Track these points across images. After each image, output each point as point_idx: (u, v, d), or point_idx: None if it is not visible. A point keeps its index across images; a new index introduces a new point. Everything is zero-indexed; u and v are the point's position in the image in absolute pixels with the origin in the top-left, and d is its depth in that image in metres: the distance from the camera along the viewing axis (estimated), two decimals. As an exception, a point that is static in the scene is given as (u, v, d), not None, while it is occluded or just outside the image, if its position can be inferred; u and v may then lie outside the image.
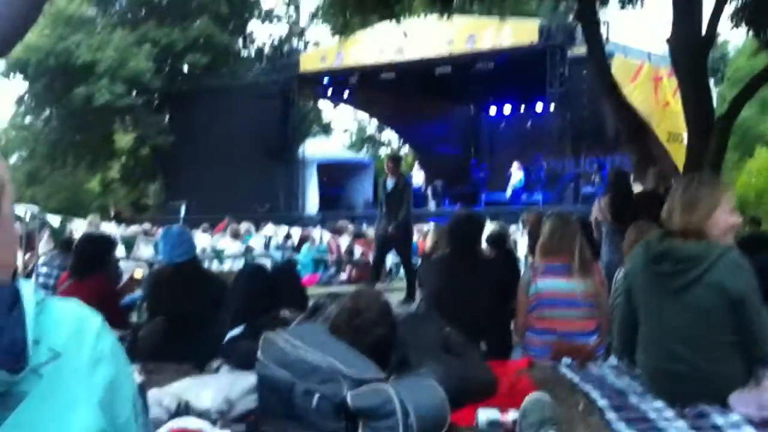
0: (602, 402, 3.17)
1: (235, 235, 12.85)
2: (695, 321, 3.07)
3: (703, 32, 8.39)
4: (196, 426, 2.63)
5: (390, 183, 9.97)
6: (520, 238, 12.58)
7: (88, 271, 5.09)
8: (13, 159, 37.70)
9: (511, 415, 2.89)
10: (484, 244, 6.48)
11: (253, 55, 32.41)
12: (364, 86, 24.53)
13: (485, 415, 2.97)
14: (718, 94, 20.88)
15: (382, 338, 3.23)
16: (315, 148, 26.73)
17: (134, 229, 11.39)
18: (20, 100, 29.48)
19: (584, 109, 19.02)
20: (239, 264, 9.09)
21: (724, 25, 9.08)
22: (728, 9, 8.86)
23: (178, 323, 4.69)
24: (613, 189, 7.31)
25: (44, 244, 8.79)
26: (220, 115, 24.57)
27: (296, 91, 25.19)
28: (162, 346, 4.53)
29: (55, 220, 8.14)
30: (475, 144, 27.83)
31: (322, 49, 25.90)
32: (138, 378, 2.66)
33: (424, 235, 13.01)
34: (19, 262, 7.21)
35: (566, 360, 4.05)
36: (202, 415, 2.81)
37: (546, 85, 20.22)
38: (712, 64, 13.92)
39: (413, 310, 5.65)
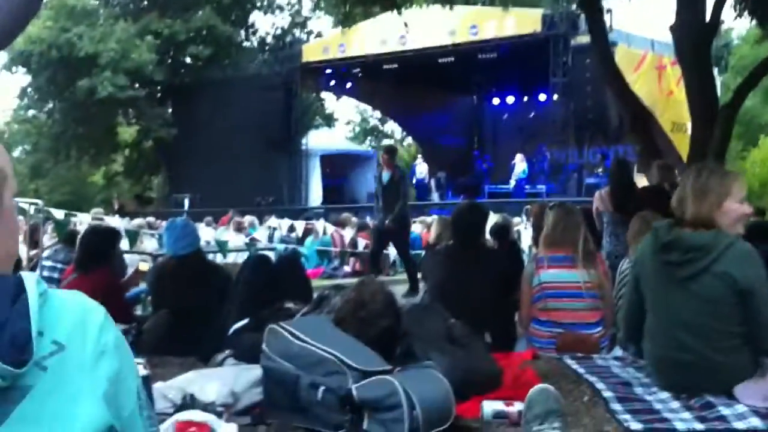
0: (607, 393, 3.17)
1: (239, 229, 12.86)
2: (702, 311, 3.07)
3: (707, 20, 8.35)
4: (201, 419, 2.62)
5: (385, 175, 9.88)
6: (524, 229, 12.58)
7: (93, 264, 5.09)
8: (17, 152, 37.76)
9: (516, 407, 2.89)
10: (487, 236, 6.48)
11: (255, 45, 32.35)
12: (367, 77, 24.54)
13: (490, 407, 2.97)
14: (721, 83, 20.80)
15: (386, 330, 3.23)
16: (318, 140, 26.74)
17: (138, 222, 11.39)
18: (23, 93, 29.49)
19: (587, 99, 19.01)
20: (243, 257, 9.08)
21: (728, 12, 9.04)
22: (732, -3, 8.83)
23: (182, 316, 4.70)
24: (615, 179, 7.29)
25: (48, 238, 8.80)
26: (223, 107, 24.58)
27: (299, 82, 25.21)
28: (166, 339, 4.54)
29: (59, 213, 8.13)
30: (478, 134, 27.83)
31: (325, 40, 25.90)
32: (144, 371, 2.65)
33: (428, 227, 13.02)
34: (24, 256, 7.22)
35: (570, 353, 4.04)
36: (207, 408, 2.81)
37: (549, 74, 20.18)
38: (715, 53, 13.89)
39: (417, 301, 5.66)
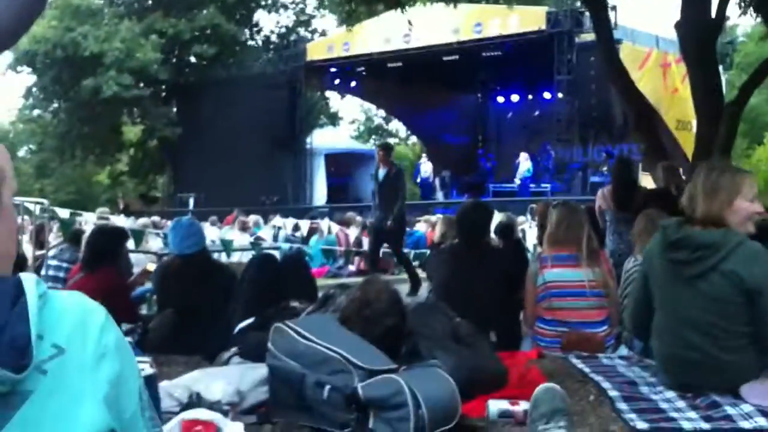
0: (613, 392, 3.16)
1: (243, 228, 12.87)
2: (709, 309, 3.06)
3: (712, 17, 8.33)
4: (207, 417, 2.63)
5: (382, 173, 9.75)
6: (528, 228, 12.57)
7: (99, 263, 5.10)
8: (22, 152, 37.83)
9: (522, 406, 2.89)
10: (492, 235, 6.47)
11: (260, 44, 32.38)
12: (371, 76, 24.54)
13: (496, 406, 2.97)
14: (726, 80, 20.75)
15: (392, 328, 3.23)
16: (322, 139, 26.76)
17: (143, 221, 11.41)
18: (28, 93, 29.55)
19: (592, 97, 18.97)
20: (247, 256, 9.10)
21: (733, 9, 9.02)
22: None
23: (187, 315, 4.70)
24: (617, 177, 7.28)
25: (53, 238, 8.83)
26: (227, 106, 24.60)
27: (303, 81, 25.21)
28: (171, 337, 4.54)
29: (64, 213, 8.16)
30: (482, 133, 27.80)
31: (329, 39, 25.91)
32: (150, 370, 2.66)
33: (432, 226, 13.01)
34: (29, 256, 7.24)
35: (576, 352, 4.04)
36: (213, 406, 2.81)
37: (553, 72, 20.15)
38: (720, 50, 13.83)
39: (422, 300, 5.66)
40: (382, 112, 39.97)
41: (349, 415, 2.75)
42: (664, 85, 19.67)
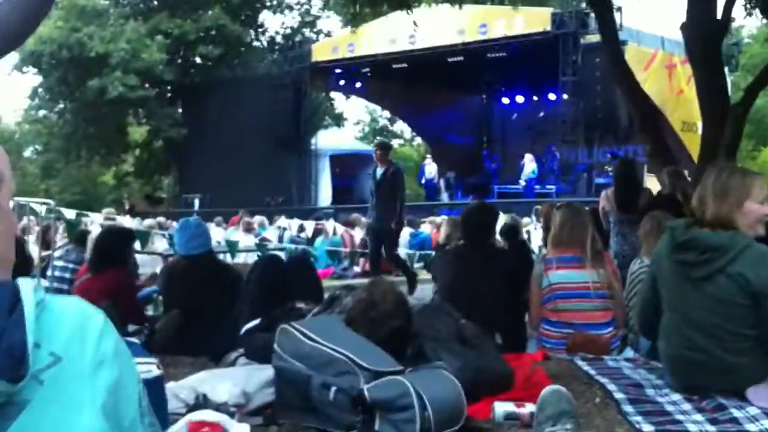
0: (619, 395, 3.16)
1: (248, 229, 12.87)
2: (716, 311, 3.06)
3: (718, 18, 8.31)
4: (214, 419, 2.63)
5: (379, 172, 9.59)
6: (533, 230, 12.56)
7: (107, 264, 5.11)
8: (27, 153, 37.90)
9: (528, 408, 2.89)
10: (497, 236, 6.47)
11: (265, 45, 32.42)
12: (376, 77, 24.55)
13: (501, 408, 2.97)
14: (732, 81, 20.71)
15: (398, 330, 3.23)
16: (327, 140, 26.77)
17: (149, 222, 11.43)
18: (34, 94, 29.61)
19: (597, 98, 18.94)
20: (252, 257, 9.11)
21: (738, 11, 9.00)
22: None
23: (193, 315, 4.71)
24: (619, 179, 7.27)
25: (60, 238, 8.83)
26: (233, 106, 24.63)
27: (308, 82, 25.24)
28: (178, 338, 4.55)
29: (70, 213, 8.18)
30: (487, 134, 27.79)
31: (334, 39, 25.93)
32: (157, 371, 2.66)
33: (438, 227, 13.01)
34: (36, 256, 7.25)
35: (581, 354, 4.04)
36: (219, 408, 2.82)
37: (558, 73, 20.13)
38: (726, 51, 13.81)
39: (428, 301, 5.66)
40: (386, 113, 39.97)
41: (355, 417, 2.76)
42: (670, 86, 19.65)
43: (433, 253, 9.71)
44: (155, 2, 29.44)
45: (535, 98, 24.90)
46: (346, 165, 26.25)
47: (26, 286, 1.07)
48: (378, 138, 35.47)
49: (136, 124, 30.96)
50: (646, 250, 4.93)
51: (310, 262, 5.70)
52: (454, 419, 2.78)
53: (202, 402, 2.87)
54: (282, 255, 7.89)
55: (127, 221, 11.54)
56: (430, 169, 24.51)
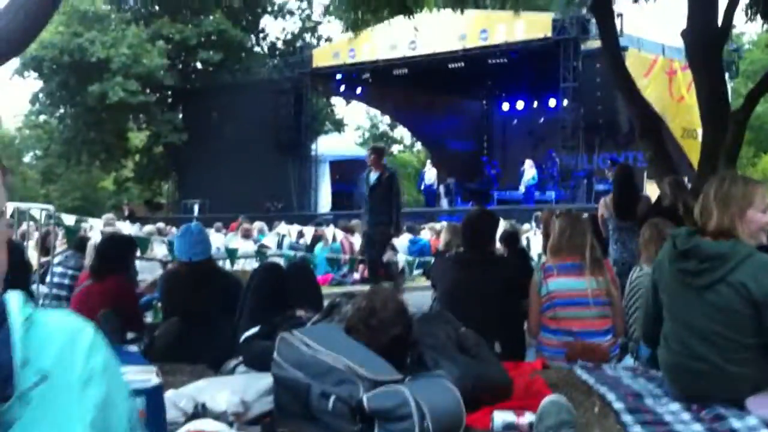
0: (618, 404, 3.15)
1: (246, 235, 12.86)
2: (716, 320, 3.05)
3: (719, 24, 8.31)
4: (213, 428, 2.63)
5: (373, 177, 9.34)
6: (533, 236, 12.56)
7: (109, 271, 5.10)
8: (28, 158, 37.91)
9: (527, 418, 2.88)
10: (497, 243, 6.46)
11: (266, 50, 32.46)
12: (377, 82, 24.56)
13: (501, 417, 2.95)
14: (732, 88, 20.74)
15: (398, 337, 3.22)
16: (327, 146, 26.79)
17: (149, 228, 11.43)
18: (34, 98, 29.65)
19: (598, 104, 18.95)
20: (252, 263, 9.09)
21: (739, 17, 8.99)
22: (743, 1, 8.77)
23: (193, 322, 4.69)
24: (618, 186, 7.27)
25: (60, 244, 8.82)
26: (233, 112, 24.66)
27: (309, 87, 25.25)
28: (177, 345, 4.54)
29: (69, 219, 8.17)
30: (487, 140, 27.82)
31: (335, 45, 25.95)
32: (156, 380, 2.65)
33: (437, 234, 13.00)
34: (35, 262, 7.25)
35: (581, 361, 4.03)
36: (218, 417, 2.81)
37: (559, 79, 20.15)
38: (726, 57, 13.82)
39: (427, 308, 5.65)
40: (387, 119, 40.03)
41: (354, 426, 2.75)
42: (670, 92, 19.67)
43: (433, 259, 9.69)
44: (156, 7, 29.50)
45: (536, 104, 24.92)
46: (346, 171, 26.25)
47: (14, 301, 1.05)
48: (387, 145, 35.58)
49: (137, 129, 30.99)
50: (645, 257, 4.93)
51: (310, 270, 5.69)
52: (453, 429, 2.77)
53: (200, 411, 2.86)
54: (281, 261, 7.89)
55: (126, 227, 11.53)
56: (430, 175, 24.51)
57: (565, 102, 20.50)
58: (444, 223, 12.87)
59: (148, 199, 30.70)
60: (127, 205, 27.02)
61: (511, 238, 7.76)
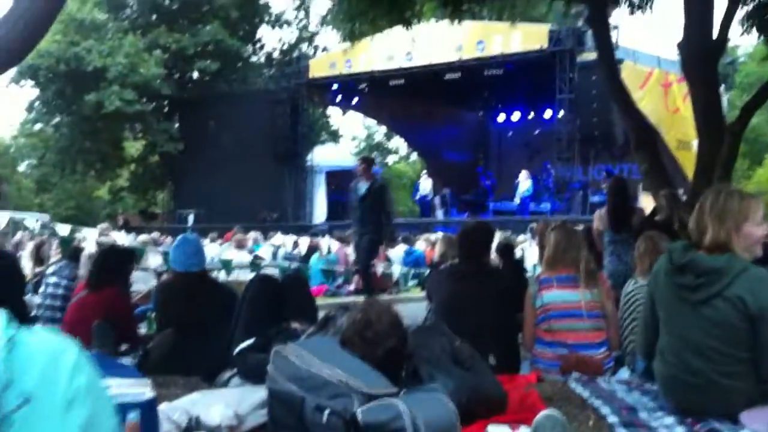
0: (612, 418, 3.15)
1: (240, 246, 12.83)
2: (712, 334, 3.06)
3: (714, 37, 8.34)
4: (206, 442, 2.62)
5: (362, 186, 9.27)
6: (528, 247, 12.56)
7: (106, 282, 5.09)
8: (23, 167, 37.83)
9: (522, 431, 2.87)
10: (493, 254, 6.45)
11: (262, 60, 32.48)
12: (373, 92, 24.58)
13: (496, 431, 2.95)
14: (728, 100, 20.82)
15: (393, 350, 3.21)
16: (323, 156, 26.77)
17: (144, 238, 11.40)
18: (30, 107, 29.62)
19: (593, 116, 18.99)
20: (247, 274, 9.08)
21: (734, 29, 9.02)
22: (739, 13, 8.80)
23: (187, 334, 4.68)
24: (612, 198, 7.28)
25: (54, 254, 8.80)
26: (230, 121, 24.65)
27: (305, 97, 25.26)
28: (170, 357, 4.52)
29: (63, 229, 8.15)
30: (483, 151, 27.85)
31: (331, 55, 25.99)
32: (150, 393, 2.64)
33: (432, 245, 12.99)
34: (29, 272, 7.22)
35: (575, 374, 4.02)
36: (212, 430, 2.80)
37: (555, 90, 20.20)
38: (722, 70, 13.85)
39: (421, 321, 5.64)
40: (383, 130, 40.08)
41: (349, 440, 2.74)
42: (666, 104, 19.73)
43: (428, 270, 9.68)
44: (154, 16, 29.52)
45: (532, 115, 24.97)
46: (342, 181, 26.16)
47: None
48: (379, 156, 35.58)
49: (132, 138, 30.94)
50: (640, 270, 4.93)
51: (305, 281, 5.67)
52: (447, 442, 2.76)
53: (194, 425, 2.85)
54: (276, 272, 7.87)
55: (121, 237, 11.51)
56: (425, 185, 24.52)
57: (561, 113, 20.55)
58: (439, 234, 12.86)
59: (143, 209, 30.65)
60: (121, 215, 26.96)
61: (507, 249, 7.74)
